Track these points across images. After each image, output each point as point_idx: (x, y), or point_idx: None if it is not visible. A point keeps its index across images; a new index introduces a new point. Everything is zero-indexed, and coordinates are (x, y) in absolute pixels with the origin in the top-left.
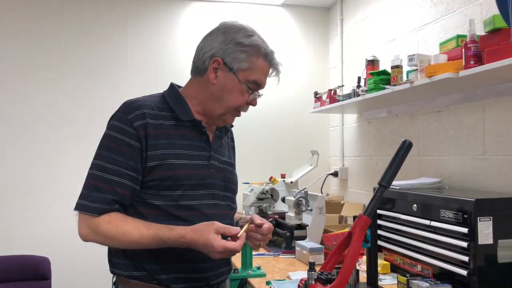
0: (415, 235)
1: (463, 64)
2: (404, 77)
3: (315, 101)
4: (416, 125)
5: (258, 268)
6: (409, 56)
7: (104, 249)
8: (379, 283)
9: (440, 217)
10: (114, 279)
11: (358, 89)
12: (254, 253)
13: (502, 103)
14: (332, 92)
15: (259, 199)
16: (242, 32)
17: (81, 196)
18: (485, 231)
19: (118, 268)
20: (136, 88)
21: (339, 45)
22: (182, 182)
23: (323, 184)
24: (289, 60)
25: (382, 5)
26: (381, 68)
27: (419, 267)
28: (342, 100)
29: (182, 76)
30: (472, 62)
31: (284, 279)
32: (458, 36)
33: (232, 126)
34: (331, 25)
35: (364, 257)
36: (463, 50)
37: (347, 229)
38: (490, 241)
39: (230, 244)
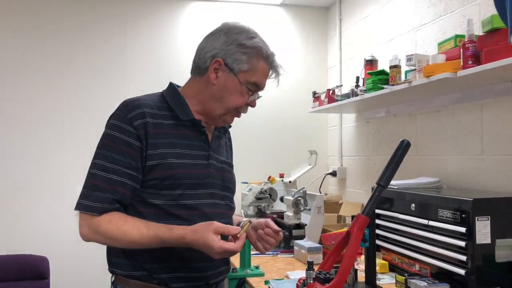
0: (413, 235)
1: (461, 64)
2: (403, 77)
3: (314, 101)
4: (414, 125)
5: (257, 267)
6: (407, 56)
7: (103, 249)
8: (377, 282)
9: (438, 217)
10: (113, 278)
11: (357, 89)
12: (252, 252)
13: (500, 103)
14: (331, 92)
15: (258, 198)
16: (244, 34)
17: (82, 196)
18: (483, 230)
19: (117, 267)
20: (135, 88)
21: (338, 45)
22: (182, 181)
23: (321, 184)
24: (287, 60)
25: (381, 5)
26: (379, 68)
27: (417, 267)
28: (341, 100)
29: (182, 76)
30: (470, 62)
31: (283, 279)
32: (456, 36)
33: (230, 126)
34: (330, 25)
35: (363, 257)
36: (461, 50)
37: (345, 229)
38: (488, 240)
39: (229, 245)
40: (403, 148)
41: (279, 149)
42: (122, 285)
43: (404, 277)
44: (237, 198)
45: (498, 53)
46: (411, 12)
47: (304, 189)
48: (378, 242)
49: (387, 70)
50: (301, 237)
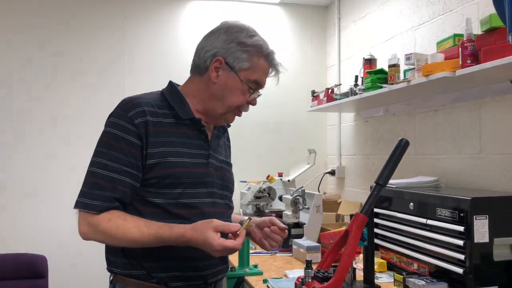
0: (412, 234)
1: (460, 63)
2: (401, 76)
3: (313, 100)
4: (413, 124)
5: (255, 266)
6: (406, 55)
7: (102, 247)
8: (376, 281)
9: (437, 216)
10: (112, 277)
11: (356, 88)
12: (251, 251)
13: (499, 102)
14: (330, 90)
15: (256, 197)
16: (244, 32)
17: (81, 194)
18: (481, 229)
19: (116, 266)
20: (134, 87)
21: (337, 44)
22: (182, 180)
23: (320, 183)
24: (286, 59)
25: (380, 4)
26: (378, 67)
27: (415, 265)
28: (340, 99)
29: (181, 75)
30: (469, 61)
31: (281, 277)
32: (455, 35)
33: (229, 126)
34: (329, 24)
35: (361, 256)
36: (460, 49)
37: (344, 228)
38: (486, 239)
39: (229, 242)
40: (402, 147)
41: (278, 148)
42: (121, 284)
43: (402, 276)
44: (235, 197)
45: (496, 52)
46: (410, 11)
47: (302, 188)
48: (376, 241)
49: (386, 69)
50: (300, 236)
